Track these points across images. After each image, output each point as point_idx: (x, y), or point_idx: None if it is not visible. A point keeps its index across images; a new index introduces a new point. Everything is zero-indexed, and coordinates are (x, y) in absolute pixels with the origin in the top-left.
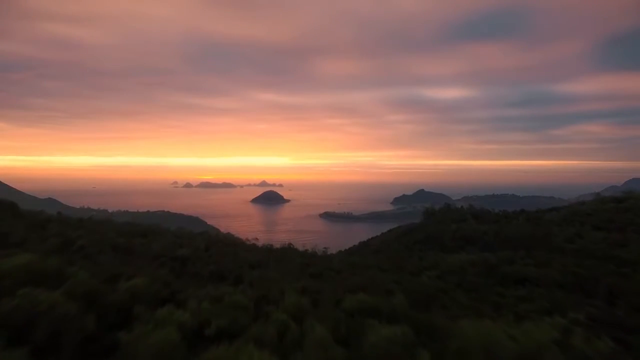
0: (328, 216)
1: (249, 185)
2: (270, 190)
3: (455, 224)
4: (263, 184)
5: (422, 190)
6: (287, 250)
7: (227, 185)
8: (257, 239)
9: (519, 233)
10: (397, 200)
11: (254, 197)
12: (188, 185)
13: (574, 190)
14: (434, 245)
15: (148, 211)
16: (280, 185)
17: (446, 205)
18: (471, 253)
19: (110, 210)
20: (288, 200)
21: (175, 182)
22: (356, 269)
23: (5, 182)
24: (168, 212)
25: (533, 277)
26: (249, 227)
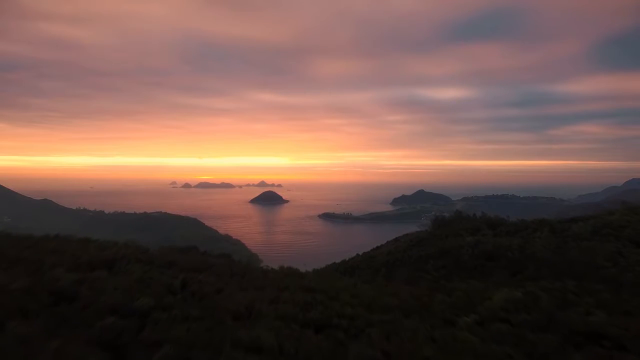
0: (327, 217)
1: (248, 185)
2: (270, 191)
3: (471, 236)
4: (262, 184)
5: (422, 190)
6: (286, 276)
7: (225, 186)
8: (259, 258)
9: (556, 254)
10: (397, 200)
11: (253, 197)
12: (187, 186)
13: (574, 190)
14: (450, 262)
15: (145, 212)
16: (280, 186)
17: (457, 213)
18: (504, 280)
19: (107, 212)
20: (287, 201)
21: (174, 183)
22: (373, 311)
23: (1, 184)
24: (166, 213)
25: (613, 334)
26: (248, 228)
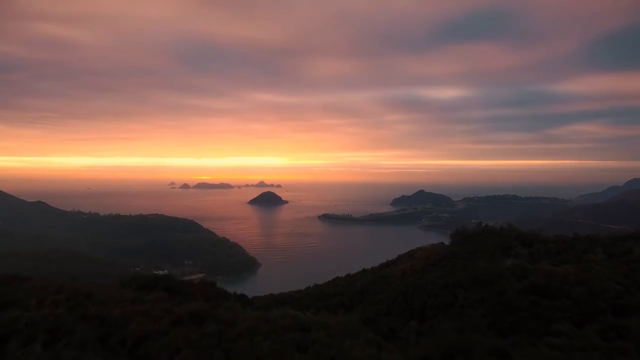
0: (327, 218)
1: (247, 185)
2: (269, 192)
3: (507, 258)
4: (261, 184)
5: (422, 191)
6: (282, 334)
7: (224, 186)
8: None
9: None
10: (397, 201)
11: (252, 198)
12: (185, 186)
13: (574, 190)
14: (489, 297)
15: (141, 214)
16: (279, 186)
17: (481, 224)
18: (580, 336)
19: (101, 214)
20: (286, 202)
21: (173, 183)
22: None
23: None
24: (162, 215)
25: None
26: (246, 230)
